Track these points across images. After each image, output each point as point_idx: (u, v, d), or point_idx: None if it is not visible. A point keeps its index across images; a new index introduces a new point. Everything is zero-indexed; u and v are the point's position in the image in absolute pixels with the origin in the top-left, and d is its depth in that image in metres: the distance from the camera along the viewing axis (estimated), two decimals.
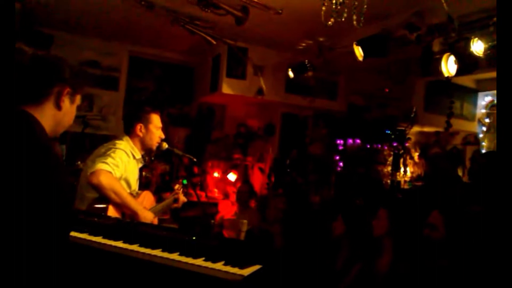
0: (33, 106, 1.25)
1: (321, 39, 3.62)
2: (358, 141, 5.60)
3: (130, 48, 5.97)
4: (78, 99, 1.39)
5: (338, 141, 5.72)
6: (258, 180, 6.13)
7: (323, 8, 2.33)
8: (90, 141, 5.08)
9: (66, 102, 1.32)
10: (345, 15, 2.32)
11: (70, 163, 4.51)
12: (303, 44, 4.13)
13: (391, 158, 5.21)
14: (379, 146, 5.34)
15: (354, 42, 3.31)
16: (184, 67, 6.53)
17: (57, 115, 1.31)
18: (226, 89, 5.23)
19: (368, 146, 5.45)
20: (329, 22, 2.32)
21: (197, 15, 3.79)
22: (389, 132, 5.16)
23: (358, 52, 3.47)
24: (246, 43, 5.01)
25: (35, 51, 1.31)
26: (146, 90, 6.33)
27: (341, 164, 5.62)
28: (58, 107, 1.30)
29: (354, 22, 2.38)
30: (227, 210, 5.29)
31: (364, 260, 2.84)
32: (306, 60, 4.50)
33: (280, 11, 3.44)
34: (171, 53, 6.15)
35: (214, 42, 4.25)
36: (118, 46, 5.83)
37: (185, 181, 3.21)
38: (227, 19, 3.59)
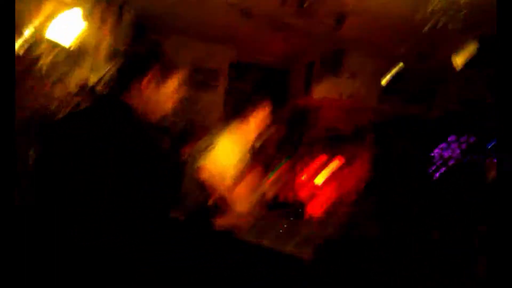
0: (124, 90, 1.38)
1: (418, 46, 3.52)
2: (458, 151, 5.27)
3: (231, 52, 6.36)
4: (170, 83, 1.46)
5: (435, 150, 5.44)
6: (348, 185, 6.07)
7: (419, 15, 2.31)
8: (193, 137, 5.50)
9: (155, 85, 1.41)
10: (441, 22, 2.27)
11: (174, 155, 4.94)
12: (400, 50, 4.04)
13: None
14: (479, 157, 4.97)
15: (454, 52, 3.17)
16: (280, 71, 6.74)
17: (144, 97, 1.39)
18: (319, 92, 5.31)
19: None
20: (425, 29, 2.30)
21: (293, 22, 3.92)
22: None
23: (457, 62, 3.30)
24: (341, 48, 5.03)
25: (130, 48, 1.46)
26: (244, 91, 6.66)
27: (437, 174, 5.35)
28: (145, 88, 1.39)
29: (450, 27, 2.31)
30: (315, 211, 5.33)
31: None
32: (403, 65, 4.39)
33: (377, 17, 3.42)
34: (268, 57, 6.40)
35: (309, 48, 4.34)
36: (220, 50, 6.24)
37: (288, 157, 3.23)
38: (323, 25, 3.68)
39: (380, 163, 5.53)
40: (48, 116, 2.41)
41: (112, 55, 4.45)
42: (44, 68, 2.82)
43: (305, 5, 2.95)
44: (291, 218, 3.07)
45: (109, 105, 1.37)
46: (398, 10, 3.49)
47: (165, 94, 1.45)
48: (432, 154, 5.46)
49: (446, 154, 5.36)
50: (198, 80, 6.21)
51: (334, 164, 6.16)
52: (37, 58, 2.78)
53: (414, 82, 4.74)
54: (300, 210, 5.35)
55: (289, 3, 3.13)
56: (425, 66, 4.23)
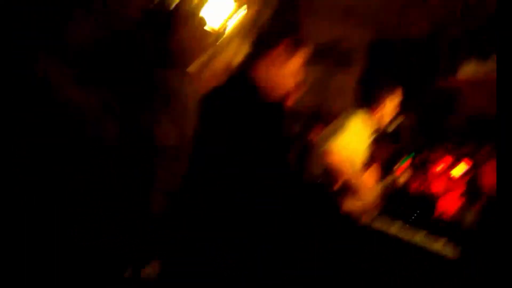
0: (254, 64, 1.37)
1: None
2: None
3: (369, 32, 6.10)
4: (298, 57, 1.41)
5: None
6: (490, 178, 5.45)
7: None
8: (324, 118, 5.52)
9: (283, 60, 1.39)
10: None
11: (303, 137, 5.05)
12: None
13: None
14: None
15: None
16: (420, 49, 6.23)
17: (273, 70, 1.39)
18: (465, 72, 4.80)
19: None
20: None
21: None
22: None
23: None
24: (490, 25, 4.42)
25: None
26: (379, 74, 6.39)
27: None
28: (273, 60, 1.39)
29: None
30: (450, 205, 4.95)
31: None
32: None
33: None
34: (407, 34, 5.98)
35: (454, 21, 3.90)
36: (359, 29, 6.03)
37: (412, 155, 3.09)
38: None
39: None
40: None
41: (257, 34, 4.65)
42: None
43: None
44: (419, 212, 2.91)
45: (235, 85, 1.40)
46: None
47: (291, 70, 1.43)
48: None
49: None
50: (332, 60, 6.14)
51: (476, 157, 5.57)
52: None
53: None
54: (431, 204, 5.01)
55: None
56: None
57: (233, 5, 3.12)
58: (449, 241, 1.67)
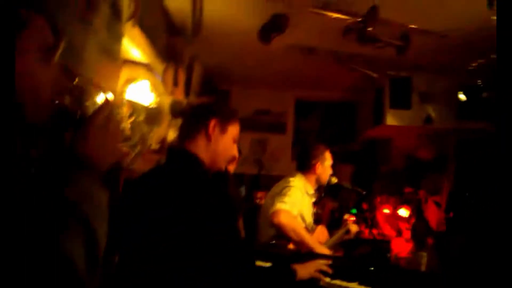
0: (189, 142, 1.46)
1: (493, 56, 3.30)
2: None
3: (296, 93, 6.46)
4: (230, 130, 1.51)
5: None
6: (434, 216, 5.65)
7: (493, 17, 2.17)
8: (264, 181, 5.57)
9: (215, 133, 1.46)
10: None
11: (249, 201, 5.01)
12: (474, 65, 3.82)
13: None
14: None
15: None
16: (346, 104, 6.67)
17: (209, 145, 1.46)
18: (391, 120, 5.13)
19: None
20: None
21: (357, 51, 3.91)
22: None
23: None
24: (410, 71, 4.88)
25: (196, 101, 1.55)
26: (311, 130, 6.67)
27: None
28: (208, 137, 1.46)
29: None
30: (401, 248, 5.00)
31: None
32: (479, 81, 4.13)
33: (443, 35, 3.30)
34: (333, 92, 6.39)
35: (376, 76, 4.27)
36: (285, 92, 6.38)
37: (354, 211, 3.23)
38: (387, 51, 3.61)
39: (465, 194, 5.11)
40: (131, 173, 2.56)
41: (176, 108, 4.73)
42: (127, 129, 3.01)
43: (367, 32, 2.92)
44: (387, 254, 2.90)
45: (180, 160, 1.45)
46: (464, 24, 3.34)
47: (229, 140, 1.50)
48: None
49: None
50: (265, 123, 6.34)
51: (417, 195, 5.82)
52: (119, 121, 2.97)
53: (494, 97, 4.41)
54: (385, 247, 5.05)
55: (352, 32, 3.13)
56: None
57: (152, 95, 3.21)
58: None
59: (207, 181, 1.41)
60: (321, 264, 1.67)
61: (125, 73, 3.01)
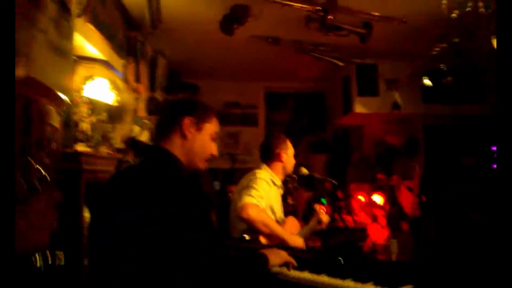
0: (164, 140, 1.42)
1: (455, 39, 3.34)
2: None
3: (265, 85, 6.43)
4: (207, 127, 1.47)
5: (494, 148, 5.06)
6: (407, 200, 5.76)
7: (444, 1, 2.18)
8: (239, 175, 5.52)
9: (191, 131, 1.43)
10: (470, 3, 2.12)
11: (223, 196, 4.97)
12: (437, 49, 3.86)
13: None
14: None
15: (492, 36, 2.96)
16: (316, 94, 6.70)
17: (185, 144, 1.43)
18: (359, 108, 5.17)
19: None
20: (453, 15, 2.16)
21: (321, 40, 3.90)
22: None
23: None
24: (375, 59, 4.92)
25: (167, 97, 1.50)
26: (283, 122, 6.67)
27: None
28: (183, 136, 1.42)
29: (481, 10, 2.16)
30: (378, 234, 5.07)
31: None
32: (443, 65, 4.18)
33: (404, 20, 3.31)
34: (301, 83, 6.39)
35: (342, 64, 4.27)
36: (254, 84, 6.34)
37: (324, 201, 3.22)
38: (351, 39, 3.60)
39: (434, 177, 5.21)
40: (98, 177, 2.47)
41: (152, 105, 4.63)
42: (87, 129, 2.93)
43: (328, 20, 2.90)
44: (358, 242, 2.91)
45: (154, 158, 1.42)
46: (425, 8, 3.36)
47: (206, 138, 1.47)
48: (493, 153, 5.07)
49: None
50: (236, 116, 6.30)
51: (390, 181, 5.90)
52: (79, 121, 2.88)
53: (459, 80, 4.49)
54: (362, 234, 5.11)
55: (313, 21, 3.10)
56: (466, 60, 4.00)
57: (112, 93, 3.12)
58: (376, 283, 1.59)
59: (181, 178, 1.37)
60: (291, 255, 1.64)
61: (81, 71, 2.89)
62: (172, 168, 1.40)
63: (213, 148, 1.50)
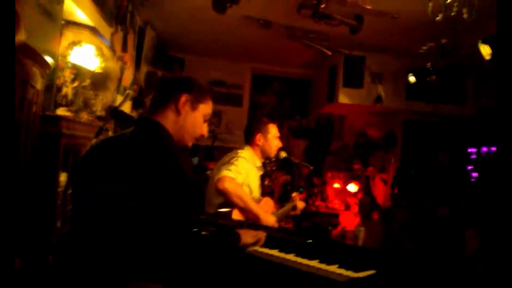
0: (158, 113, 1.44)
1: (443, 40, 3.41)
2: (494, 149, 5.05)
3: (252, 66, 6.41)
4: (201, 108, 1.50)
5: (470, 149, 5.23)
6: (380, 192, 5.92)
7: (430, 4, 2.23)
8: (218, 153, 5.57)
9: (186, 108, 1.45)
10: (455, 9, 2.18)
11: (201, 172, 5.00)
12: (424, 48, 3.93)
13: None
14: None
15: (479, 40, 3.04)
16: (302, 81, 6.73)
17: (178, 120, 1.45)
18: (343, 98, 5.23)
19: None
20: (438, 18, 2.22)
21: (311, 28, 3.91)
22: None
23: (485, 51, 3.15)
24: (363, 51, 4.97)
25: (165, 73, 1.52)
26: (267, 104, 6.70)
27: (474, 174, 5.12)
28: (178, 112, 1.44)
29: (465, 16, 2.23)
30: (349, 221, 5.22)
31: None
32: (428, 64, 4.27)
33: (395, 16, 3.36)
34: (289, 68, 6.41)
35: (330, 53, 4.31)
36: (242, 65, 6.32)
37: (301, 189, 3.29)
38: (341, 29, 3.64)
39: (410, 169, 5.36)
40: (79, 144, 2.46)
41: (136, 76, 4.59)
42: (71, 94, 2.90)
43: (321, 9, 2.92)
44: (329, 227, 3.02)
45: (149, 130, 1.43)
46: (416, 7, 3.41)
47: (198, 118, 1.48)
48: (469, 155, 5.24)
49: (484, 154, 5.14)
50: (221, 95, 6.29)
51: (365, 172, 6.05)
52: (62, 85, 2.86)
53: (443, 80, 4.59)
54: (334, 220, 5.26)
55: (305, 8, 3.11)
56: (451, 61, 4.09)
57: (97, 59, 3.09)
58: (341, 266, 1.68)
59: (171, 152, 1.38)
60: (263, 234, 1.69)
61: (68, 35, 2.85)
62: (164, 140, 1.41)
63: (204, 129, 1.53)
